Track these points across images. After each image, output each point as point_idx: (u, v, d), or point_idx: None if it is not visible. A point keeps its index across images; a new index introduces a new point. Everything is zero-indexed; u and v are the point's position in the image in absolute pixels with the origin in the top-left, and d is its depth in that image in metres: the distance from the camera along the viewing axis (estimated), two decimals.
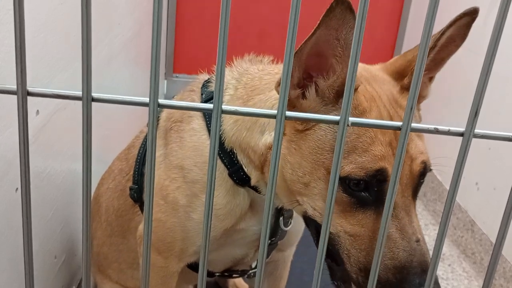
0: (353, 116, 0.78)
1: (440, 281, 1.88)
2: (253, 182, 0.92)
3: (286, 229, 1.03)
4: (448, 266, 1.98)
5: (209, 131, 0.93)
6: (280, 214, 1.01)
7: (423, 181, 0.81)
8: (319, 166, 0.77)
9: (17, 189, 1.01)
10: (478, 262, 1.95)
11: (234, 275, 1.18)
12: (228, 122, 0.91)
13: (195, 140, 0.95)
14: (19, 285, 1.06)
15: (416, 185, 0.79)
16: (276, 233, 1.03)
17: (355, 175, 0.75)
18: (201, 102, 0.97)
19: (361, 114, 0.79)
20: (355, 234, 0.78)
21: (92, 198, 1.30)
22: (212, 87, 0.98)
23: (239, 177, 0.92)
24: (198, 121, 0.95)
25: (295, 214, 1.03)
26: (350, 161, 0.75)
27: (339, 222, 0.79)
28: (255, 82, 0.92)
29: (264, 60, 1.01)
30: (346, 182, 0.76)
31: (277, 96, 0.86)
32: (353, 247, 0.79)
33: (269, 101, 0.88)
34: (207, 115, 0.94)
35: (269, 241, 1.03)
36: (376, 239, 0.74)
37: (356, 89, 0.77)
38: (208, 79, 1.01)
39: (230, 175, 0.93)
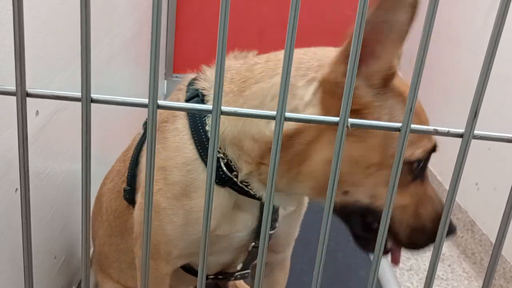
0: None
1: (440, 281, 1.89)
2: (242, 176, 0.90)
3: (271, 232, 1.02)
4: (448, 266, 1.98)
5: (191, 130, 0.91)
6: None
7: None
8: (391, 157, 0.80)
9: (16, 189, 1.01)
10: (478, 263, 1.95)
11: (230, 278, 1.17)
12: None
13: (178, 140, 0.93)
14: (19, 286, 1.06)
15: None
16: (259, 236, 1.02)
17: (422, 157, 0.84)
18: (185, 100, 0.95)
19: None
20: (408, 204, 0.87)
21: (95, 197, 1.30)
22: (198, 84, 0.95)
23: (218, 176, 0.90)
24: (182, 121, 0.93)
25: (280, 217, 1.01)
26: (416, 147, 0.82)
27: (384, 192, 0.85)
28: (244, 74, 0.90)
29: (249, 55, 0.98)
30: (412, 164, 0.84)
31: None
32: (405, 215, 0.88)
33: (274, 88, 0.84)
34: (190, 114, 0.92)
35: (253, 244, 1.01)
36: (423, 203, 0.87)
37: (394, 75, 0.79)
38: (195, 77, 0.99)
39: None
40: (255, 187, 0.91)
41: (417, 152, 0.82)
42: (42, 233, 1.20)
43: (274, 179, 0.47)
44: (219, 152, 0.90)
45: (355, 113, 0.78)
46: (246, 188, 0.91)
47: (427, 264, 2.08)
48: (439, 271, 1.93)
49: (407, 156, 0.81)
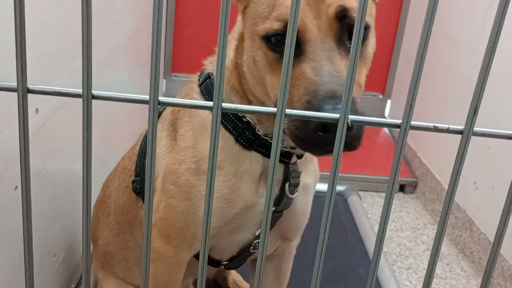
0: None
1: (438, 280, 1.89)
2: (262, 133, 0.94)
3: (292, 196, 1.02)
4: (447, 265, 1.98)
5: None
6: (287, 180, 1.00)
7: (352, 25, 0.79)
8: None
9: (16, 187, 1.01)
10: (477, 261, 1.95)
11: (249, 251, 1.16)
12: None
13: (200, 120, 0.97)
14: (18, 284, 1.06)
15: (338, 30, 0.79)
16: (280, 201, 1.01)
17: (273, 29, 0.80)
18: (199, 83, 1.01)
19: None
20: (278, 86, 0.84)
21: (97, 200, 1.31)
22: (207, 68, 1.02)
23: (245, 138, 0.93)
24: (200, 99, 0.99)
25: (301, 184, 1.03)
26: (269, 19, 0.81)
27: (273, 79, 0.84)
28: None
29: None
30: (270, 40, 0.81)
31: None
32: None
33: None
34: (204, 92, 0.99)
35: (274, 209, 1.01)
36: (295, 81, 0.78)
37: None
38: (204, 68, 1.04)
39: (237, 139, 0.93)
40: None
41: (266, 25, 0.81)
42: (42, 231, 1.20)
43: (274, 177, 0.47)
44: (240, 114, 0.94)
45: None
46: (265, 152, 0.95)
47: (426, 262, 2.09)
48: (438, 270, 1.94)
49: (263, 31, 0.81)
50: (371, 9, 0.87)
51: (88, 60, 0.38)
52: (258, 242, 1.08)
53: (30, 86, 0.42)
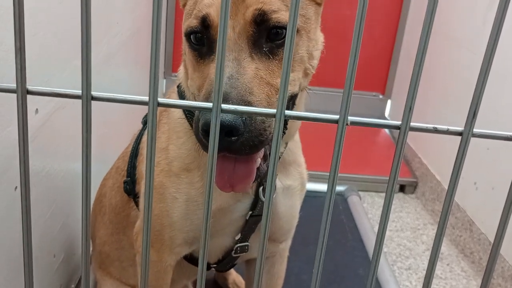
0: None
1: (438, 280, 1.89)
2: None
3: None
4: (447, 265, 1.98)
5: (183, 111, 0.97)
6: (260, 184, 1.00)
7: (271, 28, 0.78)
8: None
9: (16, 187, 1.01)
10: (477, 262, 1.95)
11: (232, 257, 1.16)
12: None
13: (173, 122, 0.98)
14: (18, 284, 1.06)
15: (254, 33, 0.78)
16: (256, 205, 1.01)
17: (191, 26, 0.81)
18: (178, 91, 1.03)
19: None
20: (201, 83, 0.82)
21: (95, 199, 1.31)
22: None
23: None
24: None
25: (278, 187, 1.02)
26: (191, 17, 0.81)
27: (194, 76, 0.85)
28: None
29: None
30: (190, 38, 0.82)
31: None
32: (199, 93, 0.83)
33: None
34: (179, 94, 1.00)
35: (251, 213, 1.01)
36: (203, 80, 0.80)
37: None
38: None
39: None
40: None
41: (186, 24, 0.82)
42: (41, 231, 1.20)
43: (273, 178, 0.47)
44: None
45: None
46: None
47: (426, 263, 2.09)
48: (438, 270, 1.93)
49: (185, 29, 0.82)
50: (305, 10, 0.84)
51: (87, 61, 0.38)
52: (239, 247, 1.08)
53: (30, 87, 0.41)
